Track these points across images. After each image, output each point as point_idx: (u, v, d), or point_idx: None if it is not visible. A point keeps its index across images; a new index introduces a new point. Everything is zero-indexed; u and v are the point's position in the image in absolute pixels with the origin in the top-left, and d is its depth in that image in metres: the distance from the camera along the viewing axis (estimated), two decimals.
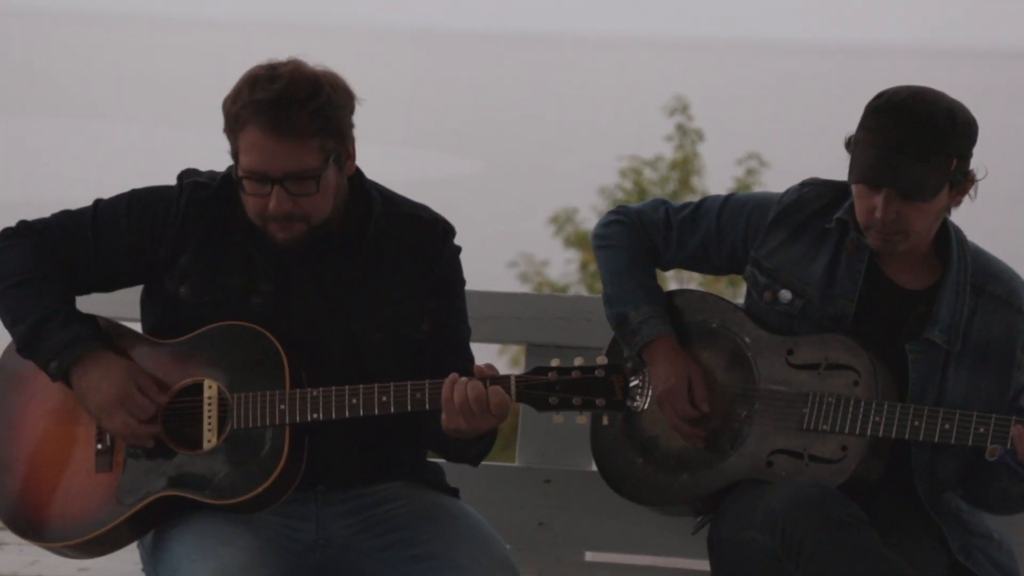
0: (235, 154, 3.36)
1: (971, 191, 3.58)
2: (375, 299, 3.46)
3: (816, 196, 3.70)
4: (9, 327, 3.43)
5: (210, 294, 3.43)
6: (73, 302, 3.47)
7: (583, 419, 3.37)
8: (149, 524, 3.42)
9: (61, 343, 3.37)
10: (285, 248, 3.38)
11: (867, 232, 3.56)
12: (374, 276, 3.47)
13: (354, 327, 3.44)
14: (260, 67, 3.34)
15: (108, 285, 3.54)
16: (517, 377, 3.30)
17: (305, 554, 3.45)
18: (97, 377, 3.36)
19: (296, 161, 3.29)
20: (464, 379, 3.29)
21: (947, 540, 3.58)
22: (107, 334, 3.45)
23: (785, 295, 3.68)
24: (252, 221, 3.41)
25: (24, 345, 3.40)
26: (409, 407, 3.33)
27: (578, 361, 3.31)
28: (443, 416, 3.30)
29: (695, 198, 3.88)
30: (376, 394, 3.34)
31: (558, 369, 3.30)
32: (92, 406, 3.37)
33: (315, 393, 3.34)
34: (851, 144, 3.54)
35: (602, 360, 3.32)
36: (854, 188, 3.56)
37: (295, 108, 3.27)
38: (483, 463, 4.14)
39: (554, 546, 4.18)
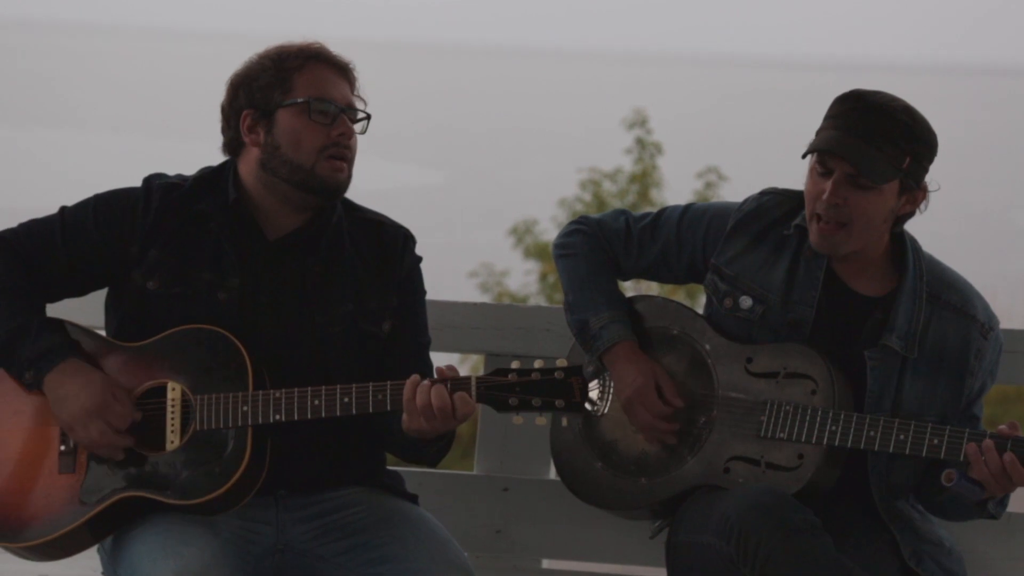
0: (284, 96, 3.45)
1: (922, 203, 3.61)
2: (337, 294, 3.50)
3: (775, 204, 3.74)
4: None
5: (178, 287, 3.45)
6: (44, 311, 3.48)
7: (543, 420, 3.39)
8: (110, 526, 3.41)
9: (36, 353, 3.39)
10: (331, 190, 3.46)
11: (810, 224, 3.59)
12: (336, 272, 3.51)
13: (316, 320, 3.48)
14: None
15: (80, 289, 3.56)
16: (478, 378, 3.33)
17: (265, 557, 3.46)
18: (76, 387, 3.37)
19: (351, 96, 3.52)
20: (427, 382, 3.31)
21: (899, 546, 3.60)
22: (76, 341, 3.46)
23: (746, 301, 3.70)
24: (228, 212, 3.46)
25: None
26: (371, 408, 3.35)
27: (538, 363, 3.34)
28: (404, 417, 3.32)
29: (654, 210, 3.91)
30: (338, 395, 3.35)
31: (518, 371, 3.33)
32: (67, 415, 3.37)
33: (278, 395, 3.35)
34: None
35: (562, 362, 3.34)
36: (807, 175, 3.60)
37: (345, 62, 3.53)
38: (442, 471, 4.15)
39: (511, 553, 4.19)
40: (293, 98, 3.46)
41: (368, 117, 3.54)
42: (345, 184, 3.50)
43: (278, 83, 3.47)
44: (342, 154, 3.47)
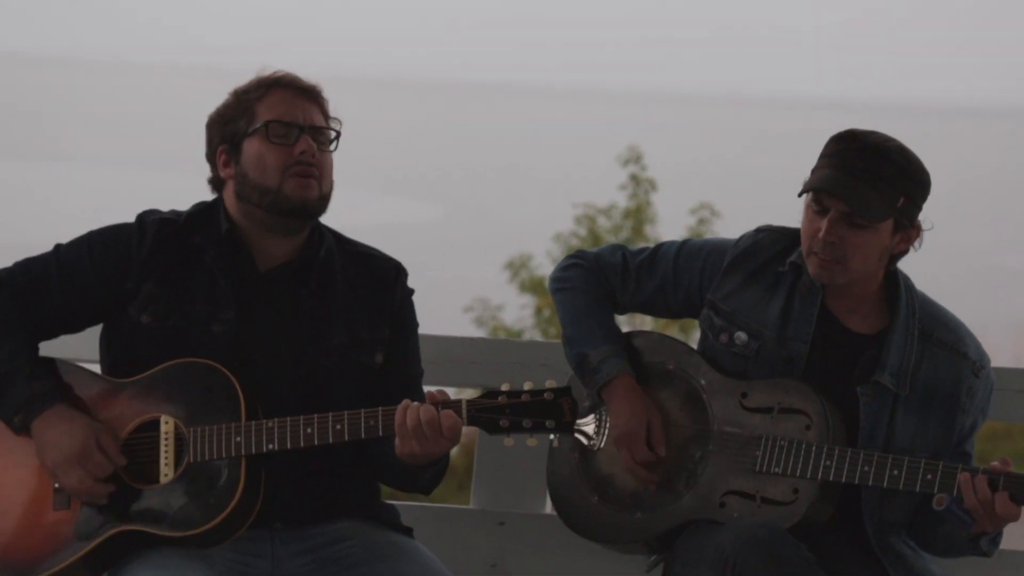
0: (248, 125, 3.47)
1: (916, 242, 3.61)
2: (329, 326, 3.50)
3: (771, 242, 3.73)
4: None
5: (172, 320, 3.45)
6: (36, 352, 3.47)
7: (534, 441, 3.37)
8: (106, 561, 3.39)
9: (24, 398, 3.37)
10: (299, 207, 3.44)
11: (808, 259, 3.59)
12: (328, 303, 3.51)
13: (309, 352, 3.47)
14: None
15: (77, 325, 3.55)
16: (468, 401, 3.32)
17: None
18: (59, 433, 3.35)
19: (318, 118, 3.51)
20: (416, 404, 3.30)
21: None
22: (66, 383, 3.44)
23: (741, 337, 3.69)
24: (222, 244, 3.47)
25: None
26: (363, 434, 3.33)
27: (527, 385, 3.32)
28: (397, 441, 3.31)
29: (648, 245, 3.90)
30: (330, 422, 3.34)
31: (508, 393, 3.32)
32: (49, 461, 3.36)
33: (270, 424, 3.34)
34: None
35: (551, 384, 3.33)
36: (803, 212, 3.60)
37: (310, 85, 3.54)
38: (437, 504, 4.12)
39: None
40: (255, 125, 3.47)
41: (338, 136, 3.54)
42: (315, 202, 3.47)
43: (243, 114, 3.49)
44: (307, 171, 3.45)
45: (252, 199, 3.47)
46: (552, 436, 3.37)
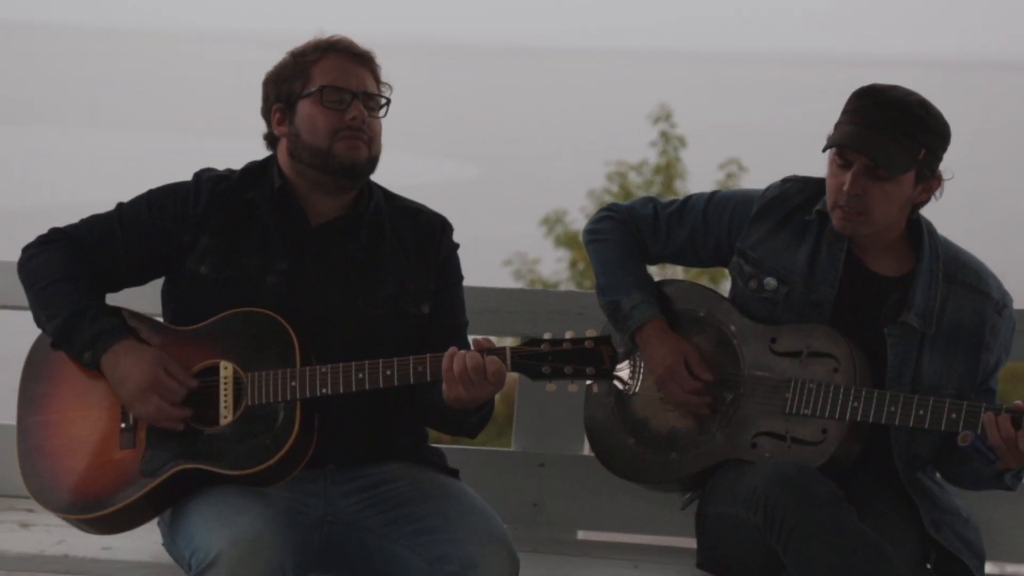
0: (304, 87, 3.49)
1: (937, 191, 3.60)
2: (378, 277, 3.52)
3: (797, 191, 3.73)
4: (44, 322, 3.49)
5: (228, 271, 3.49)
6: (103, 298, 3.52)
7: (575, 387, 3.38)
8: (169, 498, 3.44)
9: (92, 335, 3.42)
10: (348, 168, 3.47)
11: (832, 212, 3.58)
12: (377, 256, 3.54)
13: (358, 303, 3.50)
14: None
15: (140, 278, 3.60)
16: (512, 348, 3.33)
17: (313, 528, 3.47)
18: (128, 365, 3.39)
19: (370, 85, 3.53)
20: (463, 351, 3.32)
21: (918, 516, 3.59)
22: (132, 326, 3.49)
23: (770, 283, 3.69)
24: (274, 199, 3.51)
25: (58, 338, 3.45)
26: (412, 379, 3.36)
27: (568, 334, 3.33)
28: (444, 386, 3.33)
29: (680, 198, 3.90)
30: (381, 368, 3.36)
31: (550, 341, 3.33)
32: (126, 394, 3.41)
33: (323, 369, 3.37)
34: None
35: (591, 332, 3.34)
36: (827, 167, 3.59)
37: (364, 50, 3.56)
38: (481, 448, 4.14)
39: (548, 525, 4.18)
40: (310, 88, 3.50)
41: (388, 102, 3.56)
42: (364, 162, 3.50)
43: (299, 76, 3.52)
44: (356, 135, 3.48)
45: (304, 158, 3.50)
46: (591, 382, 3.38)
